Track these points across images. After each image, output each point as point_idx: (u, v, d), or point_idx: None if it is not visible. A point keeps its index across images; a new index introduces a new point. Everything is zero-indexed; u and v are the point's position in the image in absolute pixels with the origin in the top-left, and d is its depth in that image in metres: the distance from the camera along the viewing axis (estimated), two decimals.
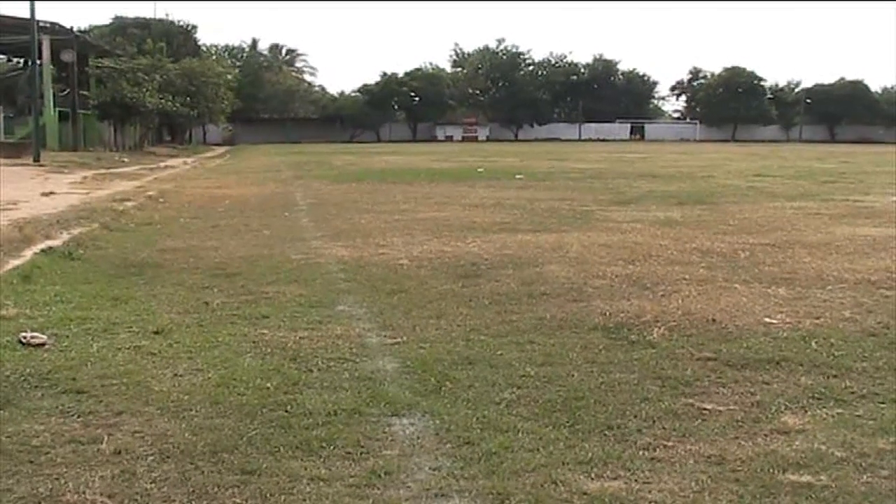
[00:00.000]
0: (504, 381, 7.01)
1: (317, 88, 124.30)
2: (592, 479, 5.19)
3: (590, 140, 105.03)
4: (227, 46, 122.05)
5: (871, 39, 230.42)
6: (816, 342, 8.23)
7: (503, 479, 5.17)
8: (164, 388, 6.81)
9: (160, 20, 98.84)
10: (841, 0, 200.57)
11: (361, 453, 5.55)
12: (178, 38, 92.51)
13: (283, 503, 4.89)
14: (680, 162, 49.42)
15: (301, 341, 8.21)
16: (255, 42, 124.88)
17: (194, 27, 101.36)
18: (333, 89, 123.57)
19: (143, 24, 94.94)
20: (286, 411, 6.26)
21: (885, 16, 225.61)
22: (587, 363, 7.52)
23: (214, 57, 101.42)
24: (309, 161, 50.05)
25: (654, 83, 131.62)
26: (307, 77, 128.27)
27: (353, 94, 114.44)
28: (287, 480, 5.14)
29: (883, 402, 6.61)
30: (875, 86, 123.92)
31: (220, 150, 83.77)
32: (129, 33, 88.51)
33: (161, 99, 67.29)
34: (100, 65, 65.63)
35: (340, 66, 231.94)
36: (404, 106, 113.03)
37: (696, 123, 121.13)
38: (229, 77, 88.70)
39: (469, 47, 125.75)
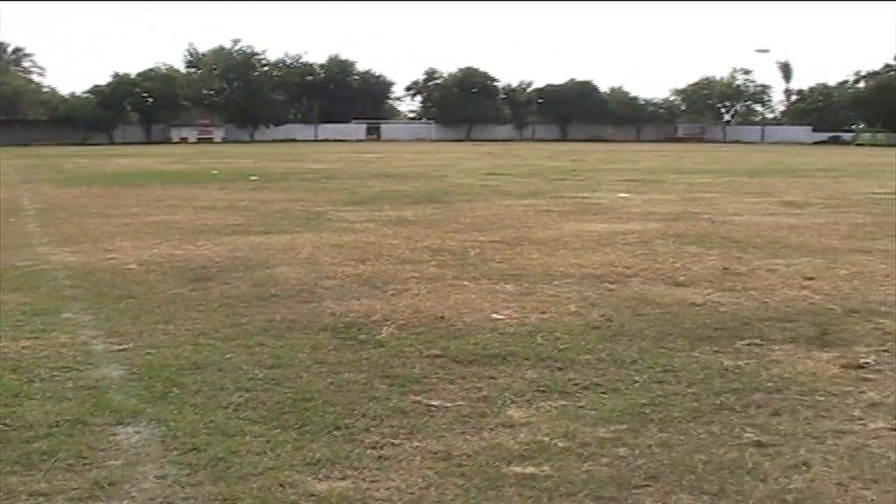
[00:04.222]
0: (232, 384, 6.94)
1: (46, 89, 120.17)
2: (320, 479, 5.20)
3: (326, 141, 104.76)
4: None
5: (597, 41, 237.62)
6: (542, 336, 8.46)
7: (230, 483, 5.12)
8: None
9: None
10: (568, 0, 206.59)
11: (84, 465, 5.40)
12: None
13: None
14: (415, 161, 49.90)
15: (23, 351, 7.93)
16: None
17: None
18: (65, 90, 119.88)
19: None
20: (5, 425, 6.04)
21: (610, 18, 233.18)
22: (316, 364, 7.52)
23: None
24: (38, 164, 48.31)
25: (391, 84, 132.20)
26: (35, 77, 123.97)
27: (84, 96, 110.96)
28: (4, 497, 4.95)
29: (605, 393, 6.83)
30: (604, 86, 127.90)
31: None
32: None
33: None
34: None
35: (71, 66, 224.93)
36: (138, 107, 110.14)
37: (431, 123, 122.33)
38: None
39: (204, 47, 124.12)
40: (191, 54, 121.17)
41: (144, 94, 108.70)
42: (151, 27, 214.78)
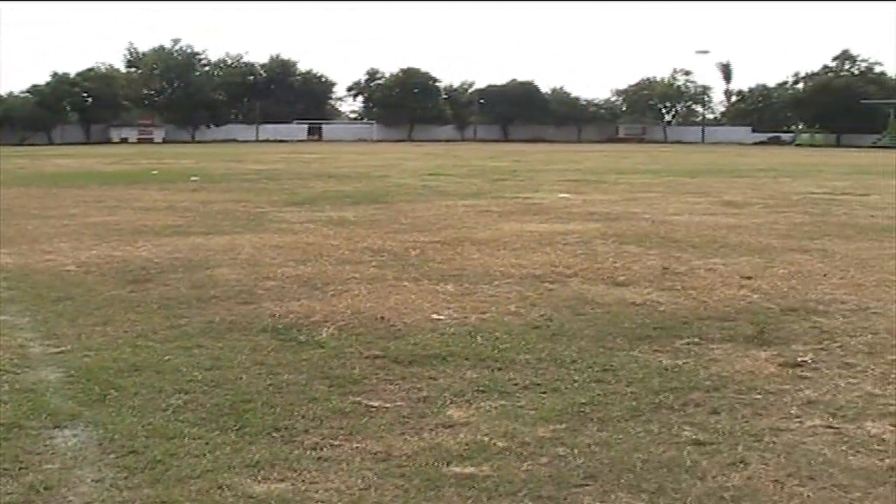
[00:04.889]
0: (171, 386, 6.90)
1: None
2: (259, 481, 5.18)
3: (268, 141, 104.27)
4: None
5: (539, 42, 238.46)
6: (482, 336, 8.48)
7: (168, 486, 5.09)
8: None
9: None
10: (508, 0, 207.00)
11: (20, 469, 5.34)
12: None
13: None
14: (356, 162, 49.84)
15: None
16: None
17: None
18: (2, 90, 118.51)
19: None
20: None
21: (552, 18, 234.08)
22: (256, 365, 7.50)
23: None
24: None
25: (332, 84, 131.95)
26: None
27: (22, 95, 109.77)
28: None
29: (544, 392, 6.86)
30: (545, 87, 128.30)
31: None
32: None
33: None
34: None
35: (8, 66, 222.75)
36: (77, 107, 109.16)
37: (373, 124, 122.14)
38: None
39: (144, 47, 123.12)
40: (131, 54, 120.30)
41: (84, 94, 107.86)
42: (91, 26, 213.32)
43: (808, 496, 5.04)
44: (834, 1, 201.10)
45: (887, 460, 5.53)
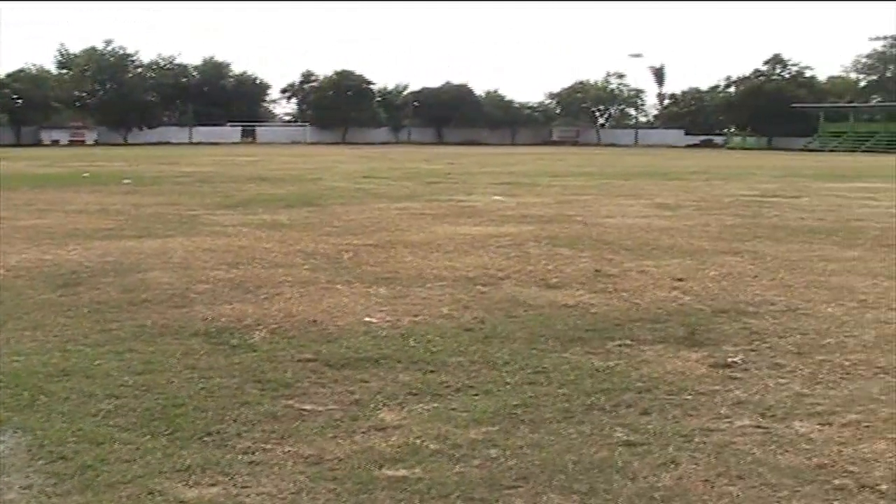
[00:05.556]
0: (101, 391, 6.83)
1: None
2: (190, 486, 5.15)
3: (201, 143, 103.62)
4: None
5: (474, 44, 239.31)
6: (415, 339, 8.48)
7: (98, 492, 5.05)
8: None
9: None
10: (441, 1, 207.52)
11: None
12: None
13: None
14: (290, 164, 49.64)
15: None
16: None
17: None
18: None
19: None
20: None
21: (486, 21, 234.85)
22: (187, 369, 7.45)
23: None
24: None
25: (267, 86, 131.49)
26: None
27: None
28: None
29: (476, 395, 6.87)
30: (479, 90, 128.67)
31: None
32: None
33: None
34: None
35: None
36: (6, 109, 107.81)
37: (307, 126, 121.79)
38: None
39: (75, 48, 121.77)
40: (62, 55, 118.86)
41: (13, 96, 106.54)
42: (20, 27, 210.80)
43: (738, 495, 5.09)
44: (766, 1, 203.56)
45: (815, 459, 5.60)
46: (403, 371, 7.48)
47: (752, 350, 8.27)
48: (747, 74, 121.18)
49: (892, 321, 9.50)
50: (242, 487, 5.14)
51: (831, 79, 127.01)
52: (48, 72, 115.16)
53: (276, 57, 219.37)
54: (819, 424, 6.25)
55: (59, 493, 5.06)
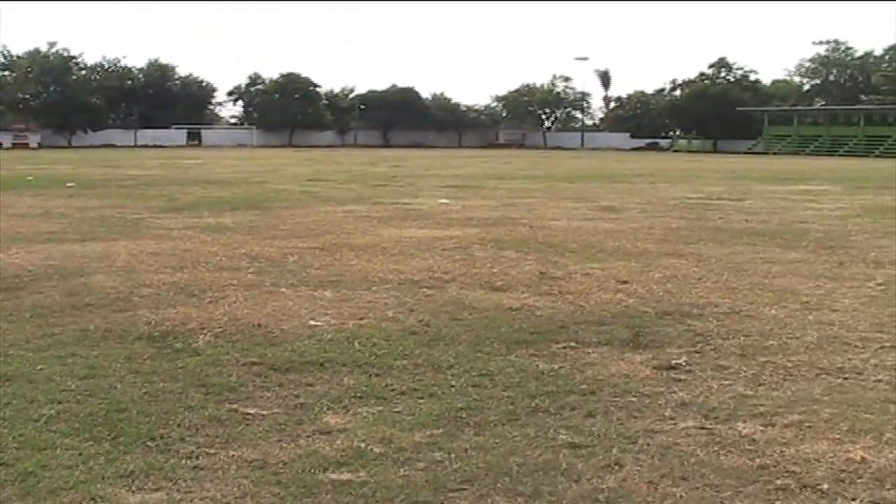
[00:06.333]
0: (43, 396, 6.78)
1: None
2: (133, 492, 5.12)
3: (146, 146, 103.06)
4: None
5: (420, 47, 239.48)
6: (360, 342, 8.49)
7: (39, 499, 5.01)
8: None
9: None
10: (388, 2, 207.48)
11: None
12: None
13: None
14: (236, 167, 49.45)
15: None
16: None
17: None
18: None
19: None
20: None
21: (432, 23, 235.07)
22: (131, 374, 7.40)
23: None
24: None
25: (213, 89, 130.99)
26: None
27: None
28: None
29: (421, 398, 6.88)
30: (426, 93, 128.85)
31: None
32: None
33: None
34: None
35: None
36: None
37: (253, 129, 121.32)
38: None
39: (18, 49, 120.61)
40: (4, 57, 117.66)
41: None
42: None
43: (681, 496, 5.12)
44: (712, 1, 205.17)
45: (757, 460, 5.65)
46: (348, 374, 7.48)
47: (696, 352, 8.33)
48: (693, 78, 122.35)
49: (834, 323, 9.61)
50: (186, 493, 5.12)
51: (776, 82, 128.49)
52: None
53: (223, 60, 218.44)
54: (762, 425, 6.31)
55: (0, 499, 5.01)
